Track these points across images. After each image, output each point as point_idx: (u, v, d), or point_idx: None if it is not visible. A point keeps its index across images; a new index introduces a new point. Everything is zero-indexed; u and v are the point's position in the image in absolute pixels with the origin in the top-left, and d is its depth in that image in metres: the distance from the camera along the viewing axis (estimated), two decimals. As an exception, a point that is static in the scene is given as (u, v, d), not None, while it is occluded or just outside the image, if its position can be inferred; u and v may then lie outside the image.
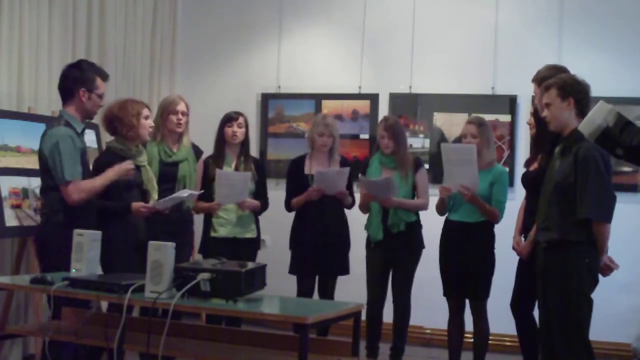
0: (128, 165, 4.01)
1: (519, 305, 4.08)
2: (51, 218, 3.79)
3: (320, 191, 4.60)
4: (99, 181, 3.90)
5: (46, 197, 3.86)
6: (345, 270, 4.79)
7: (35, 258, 4.51)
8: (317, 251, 4.69)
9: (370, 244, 4.74)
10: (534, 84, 3.97)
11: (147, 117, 4.25)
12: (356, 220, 4.84)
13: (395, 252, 4.65)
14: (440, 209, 4.57)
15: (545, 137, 3.94)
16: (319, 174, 4.60)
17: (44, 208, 3.89)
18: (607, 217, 3.41)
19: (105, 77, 3.96)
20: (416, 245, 4.71)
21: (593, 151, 3.35)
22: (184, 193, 4.26)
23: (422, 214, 4.75)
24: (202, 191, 4.51)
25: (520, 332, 4.13)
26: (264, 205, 4.77)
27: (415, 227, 4.70)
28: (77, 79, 3.85)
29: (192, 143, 4.68)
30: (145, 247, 3.09)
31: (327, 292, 4.76)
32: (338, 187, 4.61)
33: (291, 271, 4.79)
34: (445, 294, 4.56)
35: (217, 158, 4.69)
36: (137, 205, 4.12)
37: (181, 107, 4.53)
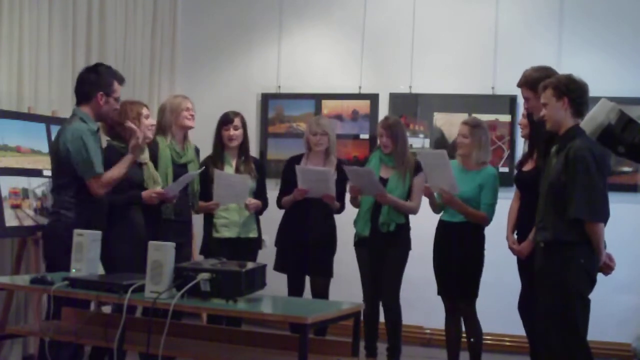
0: (139, 138, 4.02)
1: (525, 306, 4.07)
2: (62, 217, 3.78)
3: (303, 192, 4.59)
4: (120, 170, 3.91)
5: (59, 195, 3.85)
6: (327, 273, 4.77)
7: (34, 258, 4.52)
8: (300, 251, 4.69)
9: (355, 238, 4.75)
10: (523, 87, 3.96)
11: (148, 116, 4.26)
12: (346, 222, 4.83)
13: (381, 251, 4.65)
14: (433, 206, 4.60)
15: (538, 137, 3.96)
16: (299, 170, 4.59)
17: (55, 206, 3.88)
18: (598, 216, 3.38)
19: (122, 80, 3.99)
20: (402, 245, 4.70)
21: (583, 150, 3.34)
22: (188, 177, 4.30)
23: (422, 213, 4.73)
24: (203, 168, 4.52)
25: (529, 333, 4.12)
26: (264, 206, 4.77)
27: (403, 228, 4.70)
28: (95, 83, 3.88)
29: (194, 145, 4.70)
30: (146, 247, 3.09)
31: (319, 292, 4.74)
32: (323, 188, 4.57)
33: (275, 268, 4.77)
34: (439, 294, 4.57)
35: (217, 159, 4.68)
36: (147, 192, 4.15)
37: (190, 105, 4.59)
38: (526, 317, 4.09)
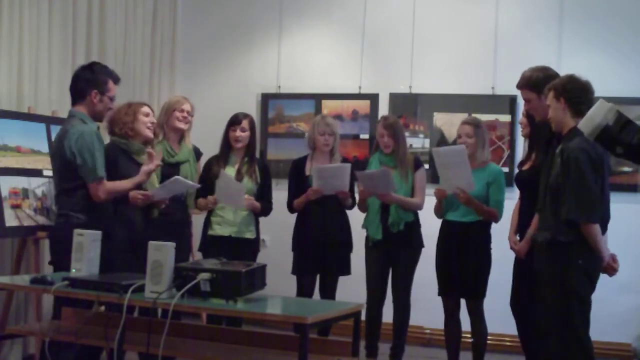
0: (153, 165, 4.01)
1: (518, 304, 4.08)
2: (72, 218, 3.75)
3: (318, 191, 4.59)
4: (126, 186, 3.92)
5: (68, 197, 3.81)
6: (346, 271, 4.79)
7: (34, 258, 4.52)
8: (319, 251, 4.70)
9: (368, 243, 4.74)
10: (524, 89, 3.94)
11: (146, 115, 4.25)
12: (358, 220, 4.83)
13: (394, 252, 4.66)
14: (438, 211, 4.57)
15: (539, 137, 3.95)
16: (317, 170, 4.59)
17: (62, 209, 3.84)
18: (590, 217, 3.35)
19: (117, 80, 3.96)
20: (415, 244, 4.71)
21: (576, 151, 3.33)
22: (179, 184, 4.21)
23: (421, 213, 4.74)
24: (200, 185, 4.49)
25: (521, 331, 4.13)
26: (267, 209, 4.75)
27: (414, 226, 4.70)
28: (89, 81, 3.86)
29: (193, 145, 4.68)
30: (143, 247, 3.09)
31: (328, 292, 4.77)
32: (338, 185, 4.59)
33: (294, 272, 4.79)
34: (440, 294, 4.57)
35: (221, 159, 4.68)
36: (134, 193, 4.09)
37: (186, 106, 4.54)
38: (518, 315, 4.10)
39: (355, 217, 4.85)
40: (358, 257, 4.82)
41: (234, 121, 4.68)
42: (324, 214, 4.70)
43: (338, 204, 4.73)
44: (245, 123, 4.67)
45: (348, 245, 4.81)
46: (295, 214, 4.85)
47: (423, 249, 4.73)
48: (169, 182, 4.17)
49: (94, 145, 3.74)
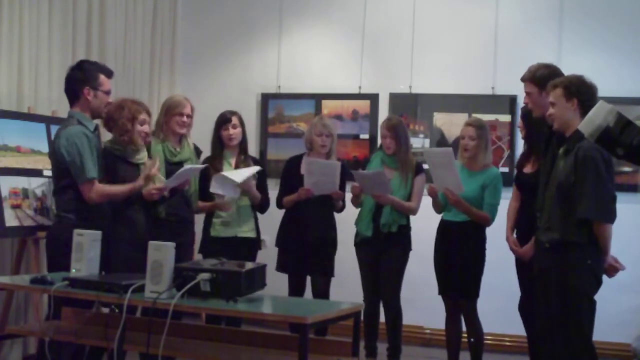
0: (155, 169, 4.01)
1: (526, 307, 4.06)
2: (64, 219, 3.78)
3: (309, 191, 4.58)
4: (122, 190, 3.91)
5: (60, 197, 3.85)
6: (329, 272, 4.77)
7: (35, 258, 4.53)
8: (301, 251, 4.70)
9: (357, 239, 4.75)
10: (527, 82, 3.93)
11: (143, 122, 4.17)
12: (347, 220, 4.83)
13: (382, 252, 4.66)
14: (436, 206, 4.59)
15: (537, 138, 3.94)
16: (308, 163, 4.59)
17: (57, 209, 3.88)
18: (606, 217, 3.38)
19: (109, 73, 3.96)
20: (403, 245, 4.70)
21: (592, 151, 3.34)
22: (189, 169, 4.24)
23: (422, 213, 4.73)
24: (206, 165, 4.50)
25: (530, 335, 4.11)
26: (265, 204, 4.76)
27: (404, 229, 4.69)
28: (80, 80, 3.86)
29: (193, 143, 4.68)
30: (146, 247, 3.09)
31: (319, 292, 4.75)
32: (329, 184, 4.57)
33: (277, 269, 4.79)
34: (440, 293, 4.57)
35: (216, 159, 4.67)
36: (148, 189, 4.10)
37: (187, 109, 4.49)
38: (527, 319, 4.09)
39: (345, 217, 4.85)
40: (350, 257, 4.82)
41: (224, 120, 4.68)
42: (309, 214, 4.69)
43: (325, 204, 4.71)
44: (235, 119, 4.68)
45: (331, 247, 4.79)
46: (283, 211, 4.85)
47: (421, 249, 4.72)
48: (179, 172, 4.16)
49: (83, 146, 3.74)
